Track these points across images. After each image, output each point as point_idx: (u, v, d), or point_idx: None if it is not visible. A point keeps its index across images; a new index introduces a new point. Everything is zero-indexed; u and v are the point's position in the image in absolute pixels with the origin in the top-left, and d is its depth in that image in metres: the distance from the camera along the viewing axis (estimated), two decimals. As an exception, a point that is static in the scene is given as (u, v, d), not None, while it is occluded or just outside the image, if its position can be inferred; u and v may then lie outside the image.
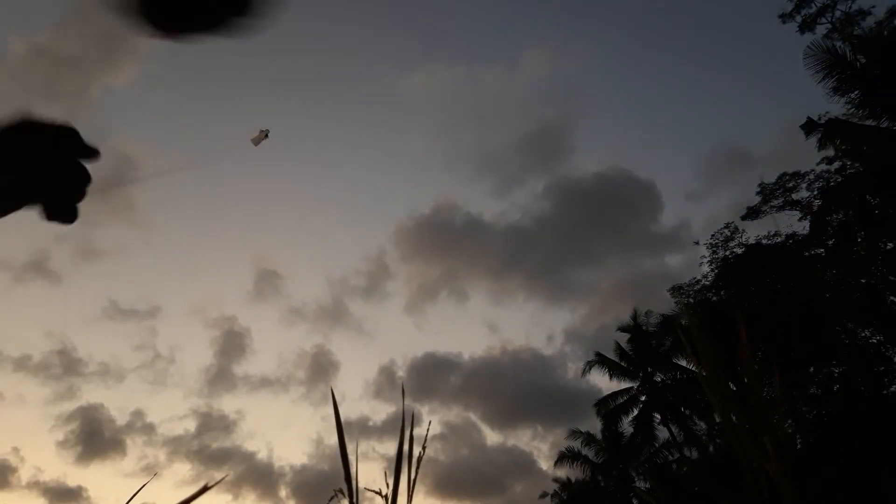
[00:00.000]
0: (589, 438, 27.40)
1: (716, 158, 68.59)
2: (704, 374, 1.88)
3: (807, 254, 21.33)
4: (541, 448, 61.17)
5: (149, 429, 58.63)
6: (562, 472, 28.38)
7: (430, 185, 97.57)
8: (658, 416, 25.73)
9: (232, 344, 70.97)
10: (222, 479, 1.35)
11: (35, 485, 47.36)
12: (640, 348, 26.91)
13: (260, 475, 50.91)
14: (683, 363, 25.16)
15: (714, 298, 23.89)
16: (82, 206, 0.64)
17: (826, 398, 19.41)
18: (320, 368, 67.88)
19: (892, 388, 18.89)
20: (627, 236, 64.68)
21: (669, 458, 25.42)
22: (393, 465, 2.11)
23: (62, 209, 0.63)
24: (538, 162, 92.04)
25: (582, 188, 70.65)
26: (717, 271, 24.36)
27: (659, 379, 26.46)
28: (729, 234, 25.17)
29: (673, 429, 25.17)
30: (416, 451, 2.16)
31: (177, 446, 56.54)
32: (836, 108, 28.45)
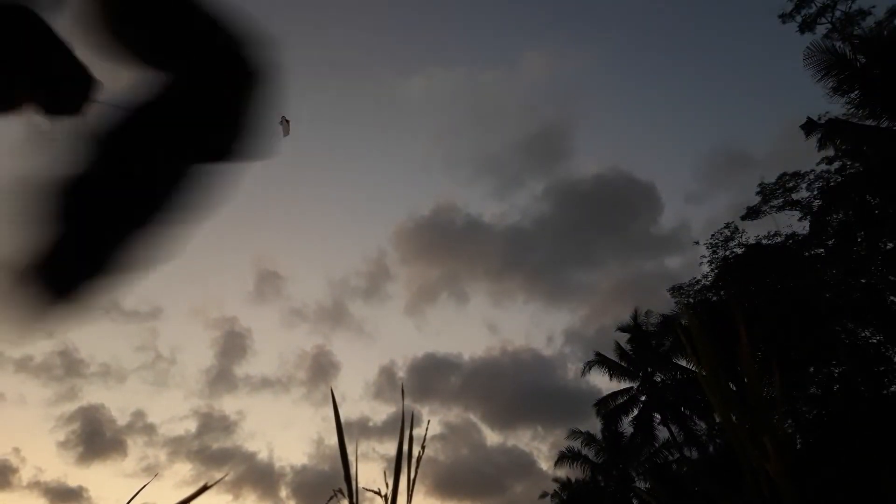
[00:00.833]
0: (589, 438, 27.40)
1: (715, 160, 68.66)
2: (704, 374, 1.88)
3: (807, 254, 21.32)
4: (541, 448, 61.18)
5: (150, 429, 58.68)
6: (562, 472, 28.40)
7: (430, 187, 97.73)
8: (658, 416, 25.73)
9: (233, 345, 71.03)
10: (222, 478, 1.35)
11: (36, 485, 47.37)
12: (640, 348, 26.91)
13: (260, 475, 50.95)
14: (683, 363, 25.15)
15: (714, 298, 23.88)
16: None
17: (826, 398, 19.40)
18: (321, 369, 67.93)
19: (892, 388, 18.88)
20: (627, 238, 64.76)
21: (669, 458, 25.41)
22: (393, 466, 2.11)
23: (62, 99, 0.53)
24: (538, 163, 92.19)
25: (581, 189, 70.76)
26: (717, 271, 24.35)
27: (659, 379, 26.46)
28: (729, 234, 25.16)
29: (673, 429, 25.16)
30: (416, 451, 2.16)
31: (177, 447, 56.57)
32: (836, 108, 28.46)
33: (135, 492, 1.68)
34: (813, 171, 23.37)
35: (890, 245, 18.36)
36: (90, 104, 0.56)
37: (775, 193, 24.51)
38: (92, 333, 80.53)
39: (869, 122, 15.13)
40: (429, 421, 2.39)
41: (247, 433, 64.54)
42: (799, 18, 23.73)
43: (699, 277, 25.92)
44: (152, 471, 49.98)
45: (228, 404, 69.99)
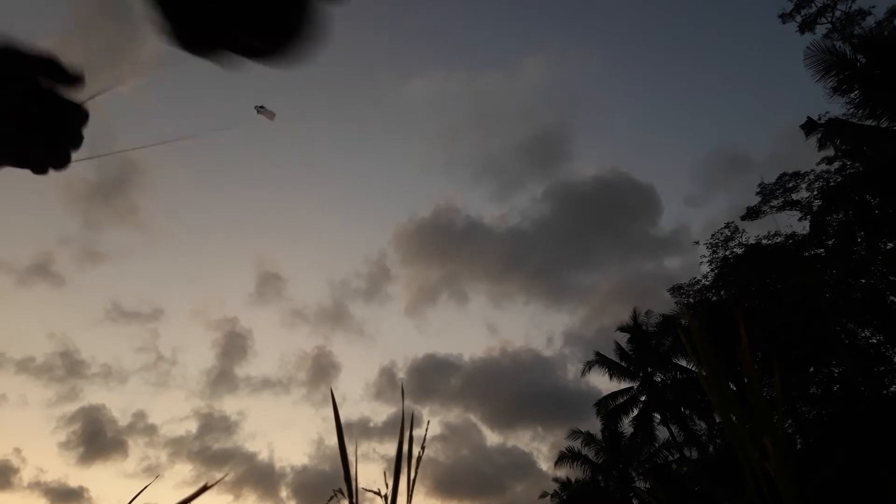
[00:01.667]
0: (589, 438, 27.39)
1: (715, 162, 68.79)
2: (704, 374, 1.88)
3: (807, 254, 21.32)
4: (541, 449, 61.19)
5: (150, 430, 58.72)
6: (562, 472, 28.39)
7: (430, 189, 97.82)
8: (658, 416, 25.72)
9: (233, 346, 71.06)
10: (222, 478, 1.35)
11: (37, 485, 47.43)
12: (640, 348, 26.91)
13: (261, 476, 50.99)
14: (683, 363, 25.15)
15: (714, 298, 23.88)
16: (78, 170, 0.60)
17: (826, 398, 19.41)
18: (321, 370, 67.95)
19: (892, 388, 18.88)
20: (626, 239, 64.88)
21: (669, 458, 25.40)
22: (393, 466, 2.11)
23: (53, 152, 0.58)
24: (538, 165, 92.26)
25: (581, 192, 70.88)
26: (717, 271, 24.36)
27: (659, 379, 26.45)
28: (729, 233, 25.17)
29: (673, 429, 25.16)
30: (416, 451, 2.16)
31: (178, 447, 56.60)
32: (836, 107, 28.48)
33: (136, 492, 1.68)
34: (813, 171, 23.39)
35: (890, 245, 18.36)
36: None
37: (775, 193, 24.52)
38: (93, 334, 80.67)
39: (869, 123, 15.13)
40: (429, 421, 2.39)
41: (247, 434, 64.66)
42: (799, 18, 23.74)
43: (699, 277, 25.95)
44: (153, 471, 50.04)
45: (229, 405, 70.12)
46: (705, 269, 25.47)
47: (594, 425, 27.94)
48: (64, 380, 65.99)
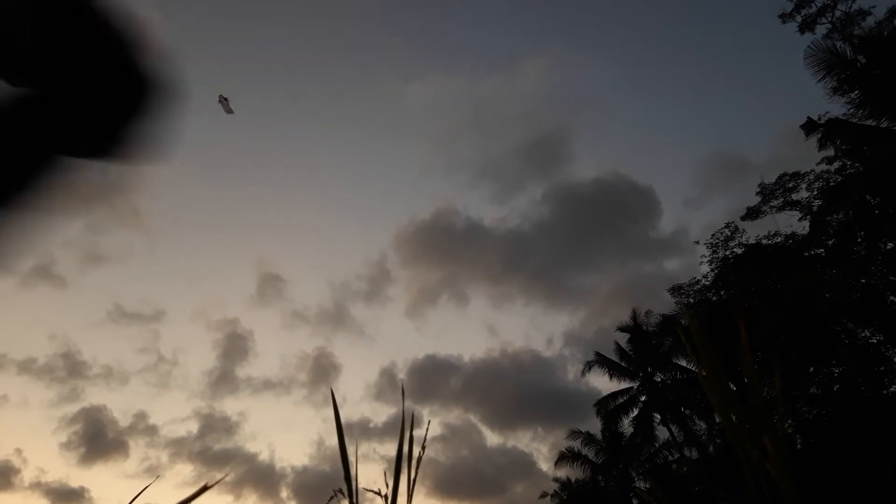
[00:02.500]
0: (589, 438, 27.38)
1: (714, 164, 68.75)
2: (704, 374, 1.88)
3: (807, 254, 21.32)
4: (541, 449, 61.17)
5: (151, 430, 58.68)
6: (562, 472, 28.38)
7: (431, 191, 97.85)
8: (658, 416, 25.72)
9: (234, 347, 71.02)
10: (222, 478, 1.35)
11: (38, 486, 47.40)
12: (640, 348, 26.90)
13: (261, 476, 50.96)
14: (683, 363, 25.15)
15: (714, 298, 23.88)
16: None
17: (826, 398, 19.41)
18: (322, 371, 67.92)
19: (892, 388, 18.88)
20: (626, 241, 64.88)
21: (669, 458, 25.39)
22: (393, 466, 2.11)
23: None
24: (538, 168, 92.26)
25: (581, 194, 70.91)
26: (717, 271, 24.36)
27: (659, 379, 26.45)
28: (729, 233, 25.17)
29: (673, 429, 25.15)
30: (416, 451, 2.16)
31: (179, 448, 56.55)
32: (836, 107, 28.48)
33: (136, 493, 1.69)
34: (813, 171, 23.39)
35: (890, 245, 18.36)
36: None
37: (775, 193, 24.51)
38: (95, 336, 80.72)
39: (869, 123, 15.13)
40: (429, 422, 2.39)
41: (248, 434, 64.58)
42: (799, 18, 23.73)
43: (699, 277, 25.95)
44: (154, 472, 50.04)
45: (230, 406, 70.10)
46: (705, 269, 25.50)
47: (594, 426, 27.96)
48: (65, 381, 66.02)
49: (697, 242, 26.80)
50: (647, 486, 25.65)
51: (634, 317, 27.45)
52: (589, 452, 27.26)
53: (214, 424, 60.17)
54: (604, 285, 68.66)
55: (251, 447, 73.81)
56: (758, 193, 25.04)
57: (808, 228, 22.08)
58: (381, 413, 66.90)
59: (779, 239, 23.87)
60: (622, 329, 27.77)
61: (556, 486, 29.07)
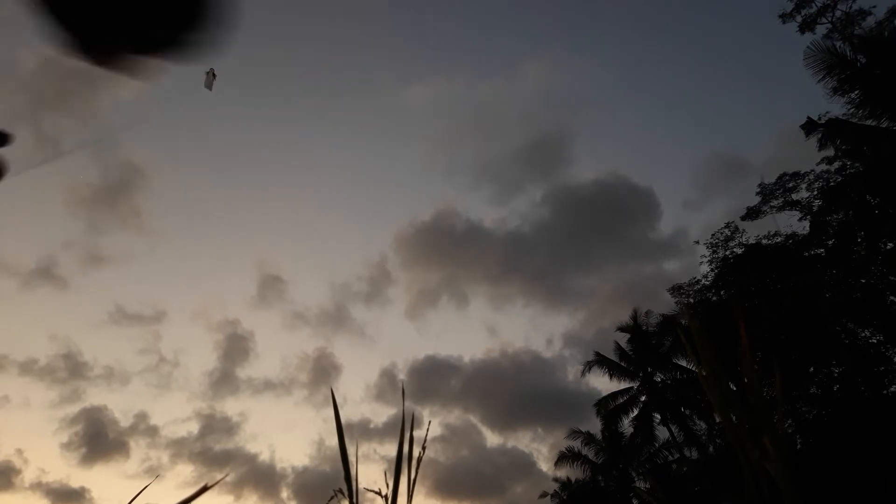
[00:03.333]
0: (589, 438, 27.38)
1: (714, 165, 68.75)
2: (704, 374, 1.88)
3: (807, 254, 21.31)
4: (540, 450, 61.18)
5: (152, 431, 58.61)
6: (562, 472, 28.39)
7: (431, 193, 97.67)
8: (658, 416, 25.72)
9: (235, 347, 70.91)
10: (222, 478, 1.36)
11: (38, 486, 47.40)
12: (640, 348, 26.90)
13: (262, 476, 50.95)
14: (683, 363, 25.16)
15: (714, 298, 23.88)
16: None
17: (826, 398, 19.41)
18: (322, 372, 67.85)
19: (892, 388, 18.88)
20: (626, 243, 64.89)
21: (669, 458, 25.40)
22: (393, 466, 2.11)
23: None
24: (538, 169, 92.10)
25: (581, 195, 70.82)
26: (717, 271, 24.35)
27: (659, 379, 26.45)
28: (729, 233, 25.16)
29: (673, 429, 25.16)
30: (417, 452, 2.16)
31: (180, 448, 56.52)
32: (837, 108, 28.47)
33: (136, 492, 1.69)
34: (813, 171, 23.37)
35: (890, 245, 18.36)
36: None
37: (775, 193, 24.50)
38: (96, 337, 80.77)
39: (869, 123, 15.13)
40: (429, 422, 2.39)
41: (249, 435, 64.62)
42: (799, 18, 23.73)
43: (699, 277, 25.95)
44: (155, 472, 49.98)
45: (231, 406, 70.06)
46: (705, 269, 25.50)
47: (594, 426, 27.97)
48: (66, 381, 65.97)
49: (697, 242, 26.80)
50: (647, 486, 25.65)
51: (634, 317, 27.46)
52: (589, 452, 27.28)
53: (215, 425, 60.17)
54: (603, 286, 68.73)
55: (252, 447, 73.95)
56: (758, 193, 25.05)
57: (808, 228, 22.08)
58: (382, 413, 66.94)
59: (779, 239, 23.86)
60: (622, 329, 27.77)
61: (556, 486, 29.11)
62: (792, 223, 30.16)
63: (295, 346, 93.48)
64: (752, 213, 25.02)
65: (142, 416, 61.33)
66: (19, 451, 50.95)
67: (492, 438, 70.61)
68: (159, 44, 0.61)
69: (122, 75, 0.61)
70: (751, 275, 21.75)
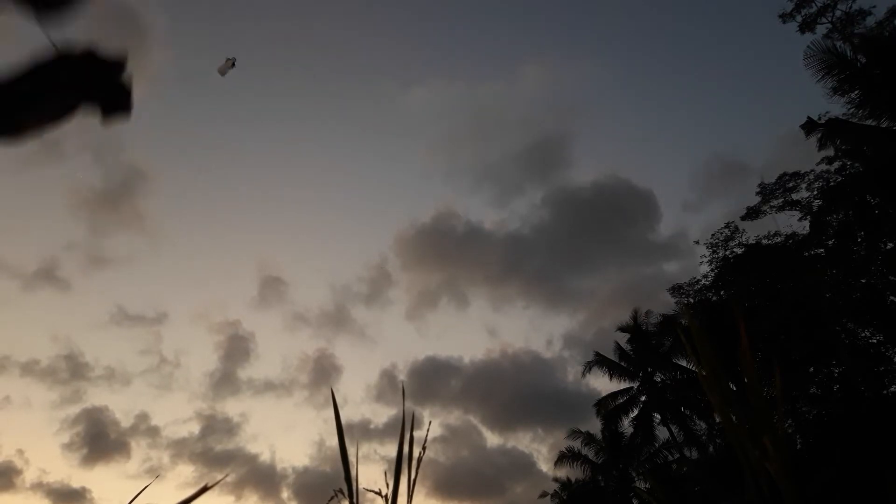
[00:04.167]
0: (589, 438, 27.38)
1: (713, 167, 68.73)
2: (704, 374, 1.88)
3: (807, 254, 21.31)
4: (540, 450, 61.19)
5: (153, 431, 58.59)
6: (562, 472, 28.38)
7: (431, 195, 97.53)
8: (658, 416, 25.72)
9: (236, 348, 70.92)
10: (222, 478, 1.36)
11: (39, 486, 47.39)
12: (639, 348, 26.89)
13: (262, 477, 50.92)
14: (683, 363, 25.15)
15: (714, 298, 23.88)
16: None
17: (826, 398, 19.40)
18: (323, 372, 67.83)
19: (892, 388, 18.88)
20: (625, 244, 64.85)
21: (669, 458, 25.39)
22: (393, 467, 2.11)
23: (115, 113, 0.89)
24: (537, 172, 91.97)
25: (580, 197, 70.71)
26: (717, 271, 24.35)
27: (659, 379, 26.44)
28: (729, 233, 25.16)
29: (673, 429, 25.15)
30: (417, 452, 2.16)
31: (181, 448, 56.50)
32: (837, 108, 28.44)
33: (136, 492, 1.69)
34: (813, 171, 23.37)
35: (890, 245, 18.36)
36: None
37: (775, 193, 24.51)
38: (97, 338, 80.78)
39: (869, 123, 15.13)
40: (430, 423, 2.39)
41: (249, 435, 64.64)
42: (799, 18, 23.75)
43: (699, 277, 25.95)
44: (155, 473, 49.94)
45: (231, 407, 70.16)
46: (705, 269, 25.50)
47: (594, 427, 27.96)
48: (68, 382, 66.09)
49: (697, 242, 26.77)
50: (647, 486, 25.65)
51: (634, 317, 27.45)
52: (589, 452, 27.27)
53: (216, 425, 60.14)
54: (603, 288, 68.74)
55: (252, 448, 73.93)
56: (758, 193, 25.06)
57: (808, 228, 22.08)
58: (382, 414, 66.90)
59: (779, 239, 23.86)
60: (622, 329, 27.76)
61: (556, 486, 29.10)
62: (792, 223, 30.13)
63: (295, 347, 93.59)
64: (752, 213, 25.03)
65: (143, 417, 61.33)
66: (20, 452, 51.10)
67: (492, 439, 70.67)
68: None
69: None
70: (751, 275, 21.75)
